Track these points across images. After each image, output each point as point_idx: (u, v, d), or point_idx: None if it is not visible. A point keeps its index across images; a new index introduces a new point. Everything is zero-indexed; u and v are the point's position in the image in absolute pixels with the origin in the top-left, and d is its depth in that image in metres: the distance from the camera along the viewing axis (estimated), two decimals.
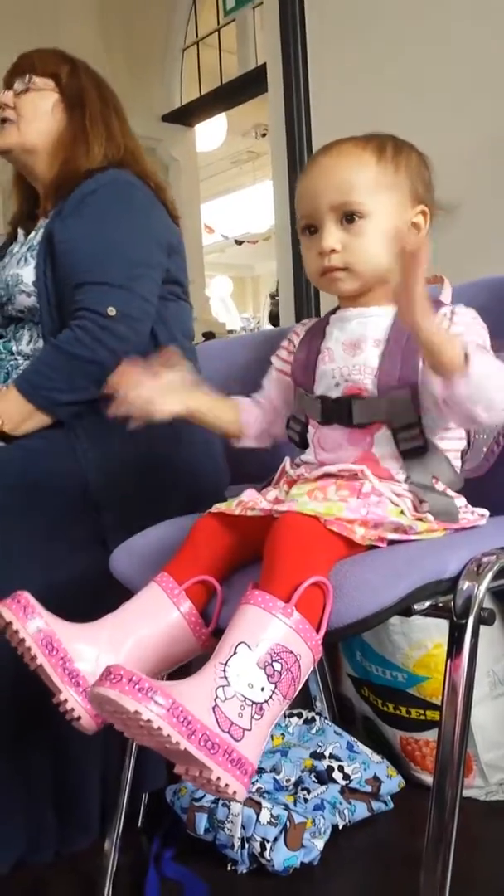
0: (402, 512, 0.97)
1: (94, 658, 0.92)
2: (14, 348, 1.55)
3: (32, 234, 1.60)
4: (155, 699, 0.74)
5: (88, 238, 1.47)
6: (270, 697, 0.81)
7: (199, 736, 0.76)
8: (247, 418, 1.18)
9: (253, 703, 0.80)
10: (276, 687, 0.82)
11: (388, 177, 1.05)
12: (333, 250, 1.05)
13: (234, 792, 0.77)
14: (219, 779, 0.76)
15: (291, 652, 0.83)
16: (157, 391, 1.07)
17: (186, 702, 0.76)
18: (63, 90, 1.59)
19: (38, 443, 1.42)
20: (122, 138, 1.62)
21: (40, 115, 1.58)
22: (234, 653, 0.81)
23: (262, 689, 0.81)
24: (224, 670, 0.80)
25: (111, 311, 1.41)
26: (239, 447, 1.19)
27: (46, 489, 1.38)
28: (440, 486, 1.02)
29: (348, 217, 1.04)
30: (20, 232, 1.67)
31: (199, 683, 0.80)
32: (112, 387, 1.07)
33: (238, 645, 0.82)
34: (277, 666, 0.82)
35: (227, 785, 0.77)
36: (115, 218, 1.49)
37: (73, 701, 0.90)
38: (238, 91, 4.48)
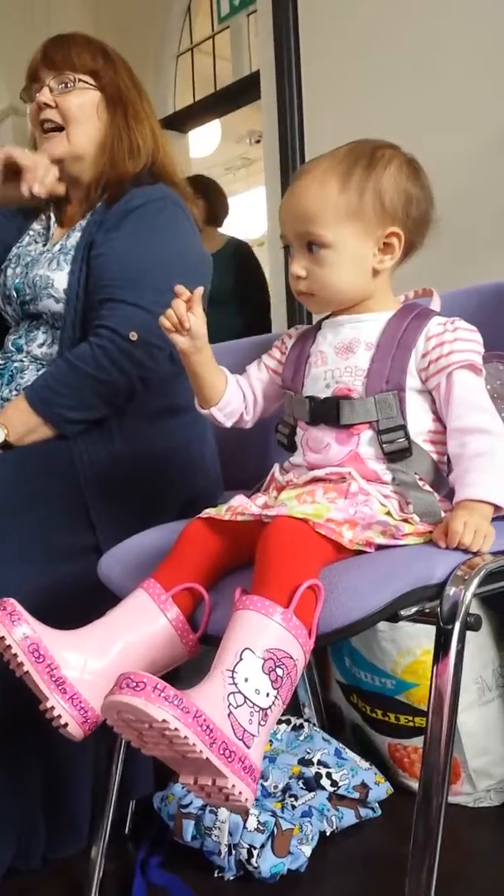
0: (388, 512, 0.98)
1: (81, 665, 0.92)
2: (24, 347, 1.52)
3: (66, 236, 1.54)
4: (181, 707, 0.75)
5: (125, 255, 1.43)
6: (273, 703, 0.82)
7: (219, 744, 0.76)
8: (230, 394, 1.17)
9: (260, 708, 0.81)
10: (278, 692, 0.82)
11: (351, 204, 1.03)
12: (299, 276, 1.07)
13: (246, 799, 0.78)
14: (234, 786, 0.77)
15: (291, 657, 0.84)
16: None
17: (205, 709, 0.77)
18: (103, 87, 1.52)
19: (35, 448, 1.41)
20: (155, 128, 1.58)
21: (87, 117, 1.50)
22: (240, 659, 0.82)
23: (268, 694, 0.81)
24: (233, 676, 0.81)
25: (133, 335, 1.38)
26: (204, 413, 1.17)
27: (41, 494, 1.37)
28: (425, 486, 1.03)
29: (311, 246, 1.05)
30: (53, 225, 1.61)
31: (211, 690, 0.80)
32: (179, 310, 1.05)
33: (243, 651, 0.82)
34: (280, 671, 0.82)
35: (240, 792, 0.78)
36: (157, 239, 1.46)
37: (60, 708, 0.89)
38: (232, 98, 4.48)
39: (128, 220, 1.45)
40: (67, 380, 1.39)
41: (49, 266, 1.50)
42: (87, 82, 1.51)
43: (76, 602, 1.28)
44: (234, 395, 1.17)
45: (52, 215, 1.63)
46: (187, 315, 1.05)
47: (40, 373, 1.48)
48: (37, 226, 1.64)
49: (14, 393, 1.47)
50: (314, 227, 1.04)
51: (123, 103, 1.53)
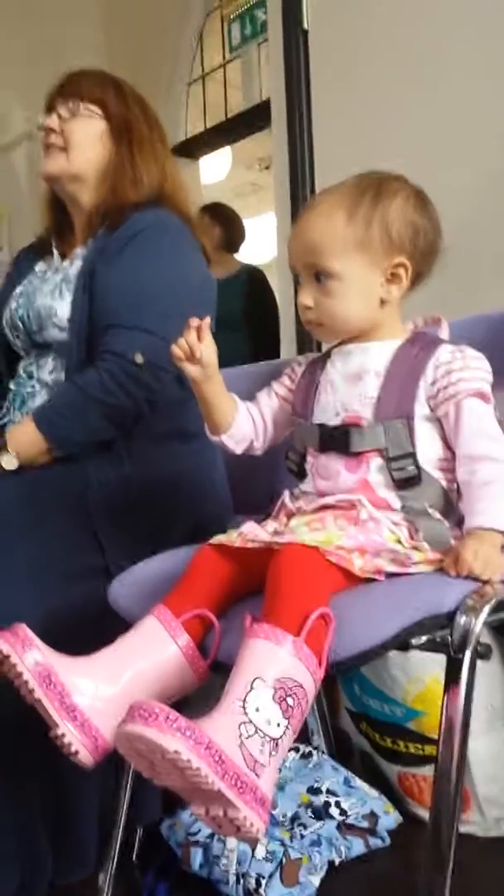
0: (398, 540, 0.98)
1: (92, 692, 0.92)
2: (35, 374, 1.54)
3: (68, 263, 1.57)
4: (194, 738, 0.75)
5: (128, 280, 1.45)
6: (284, 732, 0.82)
7: (230, 775, 0.76)
8: (240, 421, 1.18)
9: (271, 738, 0.81)
10: (289, 722, 0.82)
11: (358, 235, 1.04)
12: (307, 307, 1.08)
13: (258, 830, 0.78)
14: (245, 818, 0.77)
15: (302, 686, 0.84)
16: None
17: (217, 740, 0.77)
18: (110, 117, 1.55)
19: (44, 470, 1.42)
20: (165, 162, 1.60)
21: (89, 142, 1.54)
22: (251, 688, 0.82)
23: (279, 724, 0.81)
24: (244, 706, 0.80)
25: (139, 358, 1.39)
26: (214, 440, 1.18)
27: (51, 515, 1.38)
28: (434, 514, 1.03)
29: (319, 276, 1.06)
30: (55, 253, 1.63)
31: (222, 720, 0.80)
32: (191, 340, 1.06)
33: (254, 681, 0.82)
34: (291, 701, 0.82)
35: (251, 824, 0.77)
36: (157, 264, 1.47)
37: (71, 735, 0.89)
38: (242, 125, 4.53)
39: (129, 245, 1.47)
40: (74, 403, 1.40)
41: (52, 296, 1.52)
42: (92, 110, 1.55)
43: (86, 624, 1.28)
44: (244, 422, 1.18)
45: (53, 245, 1.65)
46: (198, 345, 1.06)
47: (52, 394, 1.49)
48: (41, 265, 1.66)
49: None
50: (321, 259, 1.06)
51: (130, 134, 1.56)
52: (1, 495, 1.37)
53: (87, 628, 1.26)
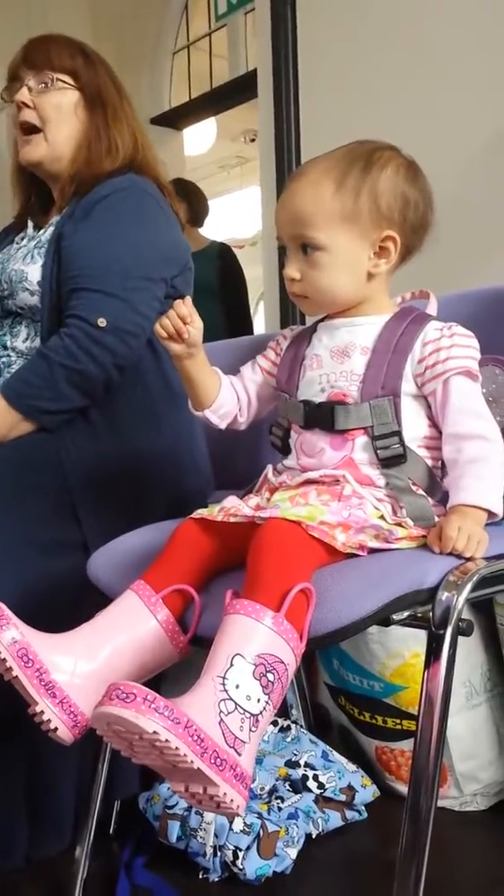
0: (382, 516, 0.98)
1: (71, 668, 0.91)
2: (9, 343, 1.52)
3: (42, 231, 1.55)
4: (171, 718, 0.74)
5: (92, 244, 1.43)
6: (264, 708, 0.81)
7: (210, 753, 0.76)
8: (224, 396, 1.16)
9: (251, 715, 0.80)
10: (269, 698, 0.82)
11: (346, 206, 1.02)
12: (293, 279, 1.06)
13: (238, 806, 0.78)
14: (225, 794, 0.77)
15: (282, 661, 0.83)
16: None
17: (195, 718, 0.76)
18: (83, 87, 1.51)
19: (21, 443, 1.40)
20: (135, 126, 1.58)
21: (64, 117, 1.50)
22: (231, 665, 0.81)
23: (258, 700, 0.81)
24: (223, 683, 0.80)
25: (101, 321, 1.37)
26: (198, 415, 1.17)
27: (28, 491, 1.36)
28: (418, 491, 1.03)
29: (305, 248, 1.05)
30: (30, 224, 1.61)
31: (201, 697, 0.79)
32: (177, 323, 1.04)
33: (234, 657, 0.81)
34: (271, 677, 0.82)
35: (231, 800, 0.77)
36: (123, 227, 1.45)
37: (50, 712, 0.88)
38: (228, 96, 4.48)
39: (95, 209, 1.45)
40: (40, 371, 1.38)
41: (24, 260, 1.50)
42: (65, 82, 1.51)
43: (64, 598, 1.27)
44: (228, 397, 1.17)
45: (28, 218, 1.63)
46: (184, 327, 1.04)
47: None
48: (19, 237, 1.64)
49: None
50: (308, 230, 1.04)
51: (103, 103, 1.53)
52: None
53: (64, 603, 1.25)
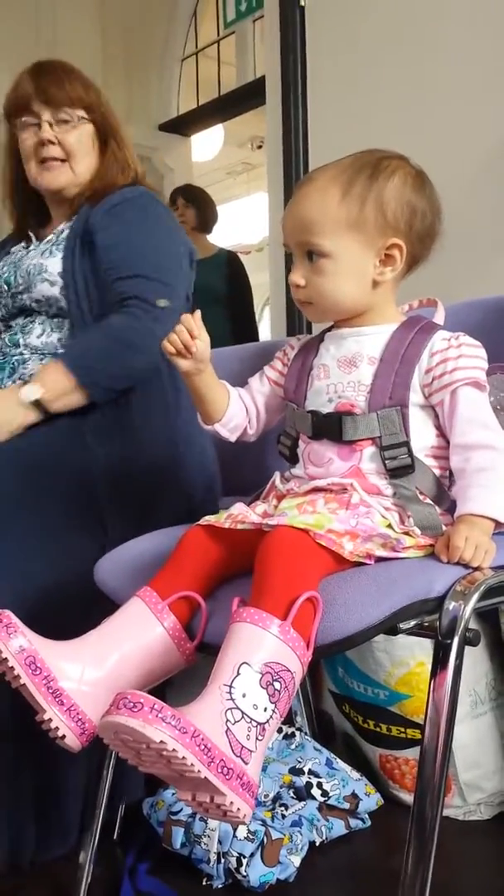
0: (389, 525, 0.98)
1: (78, 676, 0.91)
2: (21, 341, 1.54)
3: (52, 237, 1.59)
4: (178, 727, 0.74)
5: (136, 236, 1.51)
6: (271, 717, 0.81)
7: (217, 763, 0.76)
8: (233, 410, 1.16)
9: (257, 723, 0.80)
10: (275, 706, 0.82)
11: (352, 214, 1.02)
12: (298, 285, 1.07)
13: (245, 815, 0.78)
14: (232, 803, 0.77)
15: (289, 670, 0.83)
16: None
17: (202, 727, 0.76)
18: (95, 119, 1.59)
19: (50, 443, 1.42)
20: (131, 144, 1.67)
21: (85, 149, 1.59)
22: (238, 673, 0.81)
23: (265, 709, 0.81)
24: (230, 692, 0.80)
25: (162, 302, 1.43)
26: (208, 429, 1.17)
27: (53, 491, 1.38)
28: (426, 500, 1.03)
29: (311, 255, 1.05)
30: (32, 237, 1.66)
31: (208, 706, 0.79)
32: (185, 338, 1.05)
33: (240, 665, 0.81)
34: (278, 685, 0.82)
35: (238, 809, 0.77)
36: (152, 225, 1.54)
37: (58, 720, 0.89)
38: (236, 103, 4.49)
39: (128, 207, 1.53)
40: (102, 345, 1.43)
41: (41, 255, 1.55)
42: (82, 117, 1.58)
43: (79, 603, 1.28)
44: (237, 411, 1.17)
45: (33, 230, 1.68)
46: (193, 342, 1.04)
47: (46, 358, 1.50)
48: (18, 246, 1.67)
49: (18, 383, 1.48)
50: (313, 237, 1.04)
51: (112, 128, 1.62)
52: (2, 466, 1.36)
53: (79, 605, 1.25)
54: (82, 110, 1.57)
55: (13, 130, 1.61)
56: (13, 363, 1.52)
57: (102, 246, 1.49)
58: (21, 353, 1.53)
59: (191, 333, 1.04)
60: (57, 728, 0.89)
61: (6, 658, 0.90)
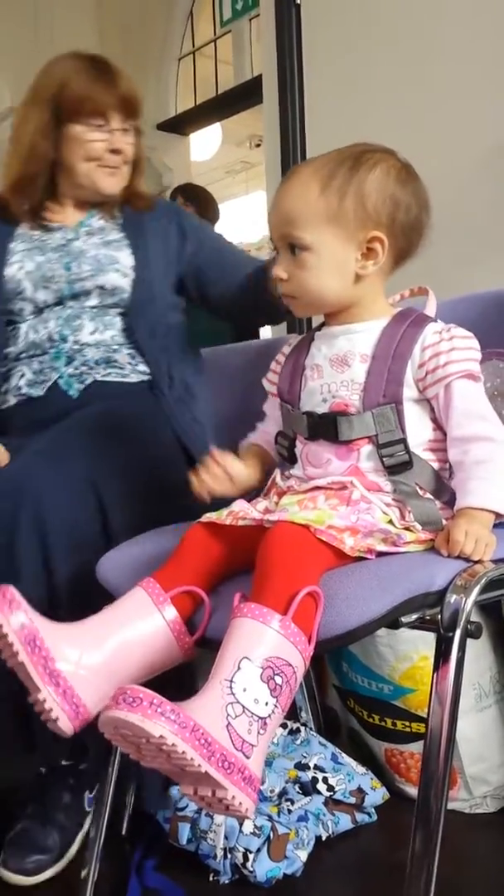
0: (390, 521, 0.98)
1: (76, 659, 0.91)
2: (71, 337, 1.55)
3: (88, 226, 1.65)
4: (178, 722, 0.75)
5: (223, 243, 1.74)
6: (273, 711, 0.82)
7: (217, 757, 0.76)
8: (268, 463, 1.19)
9: (259, 718, 0.80)
10: (277, 700, 0.82)
11: (332, 207, 1.01)
12: (281, 279, 1.06)
13: (246, 809, 0.78)
14: (233, 797, 0.77)
15: (290, 664, 0.83)
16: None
17: (203, 722, 0.76)
18: (138, 128, 1.65)
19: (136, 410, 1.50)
20: None
21: (136, 155, 1.67)
22: (238, 668, 0.81)
23: (266, 703, 0.81)
24: (231, 686, 0.80)
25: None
26: None
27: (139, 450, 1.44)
28: (425, 494, 1.03)
29: (293, 248, 1.04)
30: (53, 223, 1.66)
31: (209, 701, 0.80)
32: (218, 471, 1.11)
33: (241, 660, 0.82)
34: (279, 680, 0.82)
35: (240, 803, 0.77)
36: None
37: (52, 701, 0.88)
38: (233, 101, 4.50)
39: (178, 216, 1.72)
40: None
41: (108, 247, 1.61)
42: (137, 127, 1.65)
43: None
44: (269, 459, 1.20)
45: (45, 216, 1.69)
46: (226, 477, 1.10)
47: (101, 352, 1.55)
48: (24, 229, 1.66)
49: (83, 368, 1.54)
50: (294, 230, 1.03)
51: (141, 136, 1.68)
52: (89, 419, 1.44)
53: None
54: (138, 120, 1.64)
55: (63, 118, 1.57)
56: (68, 353, 1.54)
57: (212, 248, 1.69)
58: (73, 347, 1.55)
59: (224, 469, 1.10)
60: (51, 710, 0.88)
61: (6, 633, 0.89)
